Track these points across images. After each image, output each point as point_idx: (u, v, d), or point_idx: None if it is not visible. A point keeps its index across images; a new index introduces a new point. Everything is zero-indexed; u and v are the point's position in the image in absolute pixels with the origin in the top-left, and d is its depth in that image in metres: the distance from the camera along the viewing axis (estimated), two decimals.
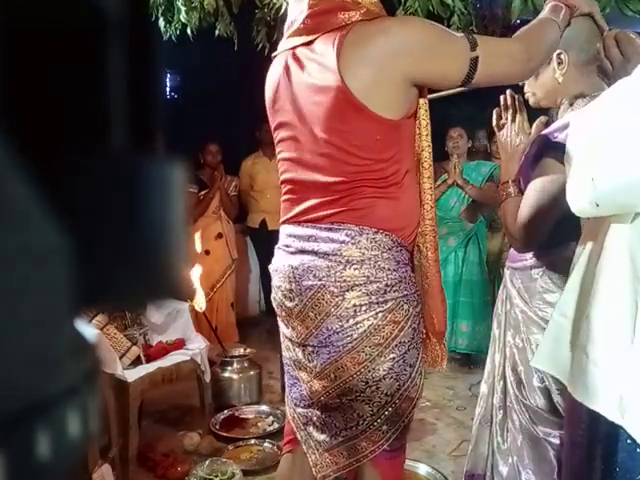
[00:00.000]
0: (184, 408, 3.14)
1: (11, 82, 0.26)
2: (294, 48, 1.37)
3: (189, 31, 3.48)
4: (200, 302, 2.84)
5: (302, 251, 1.38)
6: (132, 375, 2.44)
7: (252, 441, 2.81)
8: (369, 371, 1.34)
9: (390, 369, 1.35)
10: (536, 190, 1.41)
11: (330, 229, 1.34)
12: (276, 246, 1.52)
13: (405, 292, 1.36)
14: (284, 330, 1.51)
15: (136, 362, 2.57)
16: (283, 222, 1.47)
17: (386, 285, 1.33)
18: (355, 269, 1.32)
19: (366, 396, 1.36)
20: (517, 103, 1.66)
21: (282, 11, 3.15)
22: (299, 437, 1.52)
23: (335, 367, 1.37)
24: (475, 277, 3.89)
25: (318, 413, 1.45)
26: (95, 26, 0.28)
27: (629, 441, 0.99)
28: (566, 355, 1.17)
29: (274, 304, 1.52)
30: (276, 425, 2.96)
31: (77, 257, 0.25)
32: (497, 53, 1.35)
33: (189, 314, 2.91)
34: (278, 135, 1.47)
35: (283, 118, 1.42)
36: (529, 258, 1.59)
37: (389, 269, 1.33)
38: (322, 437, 1.45)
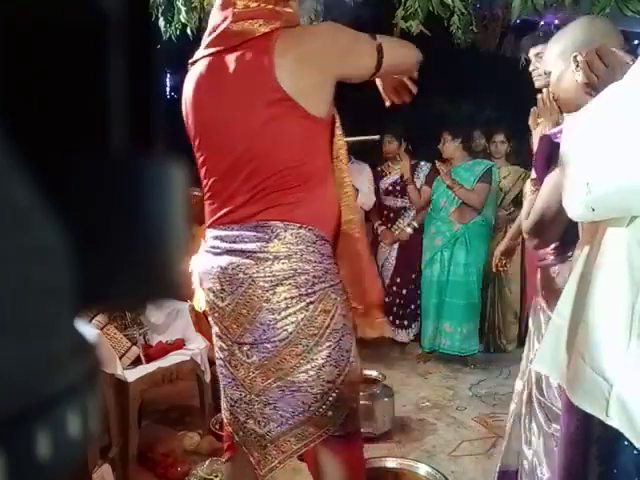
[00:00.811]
0: (184, 408, 3.14)
1: (11, 82, 0.26)
2: (216, 54, 1.43)
3: (189, 31, 3.48)
4: (200, 302, 2.84)
5: (229, 251, 1.44)
6: (132, 375, 2.44)
7: None
8: (308, 361, 1.42)
9: (328, 356, 1.43)
10: (549, 186, 1.42)
11: (256, 228, 1.40)
12: (202, 249, 1.56)
13: (331, 282, 1.44)
14: (217, 330, 1.56)
15: (136, 362, 2.57)
16: (209, 225, 1.52)
17: (314, 277, 1.41)
18: (283, 263, 1.39)
19: (309, 385, 1.43)
20: (553, 102, 1.67)
21: None
22: (237, 439, 1.56)
23: (275, 362, 1.44)
24: (461, 278, 3.88)
25: (260, 407, 1.49)
26: (95, 26, 0.28)
27: (626, 443, 0.99)
28: (563, 357, 1.17)
29: (207, 307, 1.57)
30: None
31: (77, 257, 0.25)
32: (392, 42, 1.54)
33: (189, 314, 2.91)
34: (198, 140, 1.51)
35: (204, 121, 1.47)
36: (550, 256, 1.61)
37: (315, 261, 1.41)
38: (265, 430, 1.49)
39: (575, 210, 1.04)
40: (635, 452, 0.98)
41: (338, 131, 1.51)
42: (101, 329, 2.45)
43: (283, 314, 1.40)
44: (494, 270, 3.18)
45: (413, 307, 4.28)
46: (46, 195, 0.24)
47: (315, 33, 1.46)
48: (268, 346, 1.43)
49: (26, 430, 0.23)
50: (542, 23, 4.29)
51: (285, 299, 1.39)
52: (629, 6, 2.99)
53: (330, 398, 1.43)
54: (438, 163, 3.88)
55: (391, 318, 4.28)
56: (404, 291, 4.24)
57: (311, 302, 1.40)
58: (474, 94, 5.38)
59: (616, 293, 1.02)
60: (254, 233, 1.40)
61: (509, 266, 3.34)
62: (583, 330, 1.09)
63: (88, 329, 0.29)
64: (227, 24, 1.41)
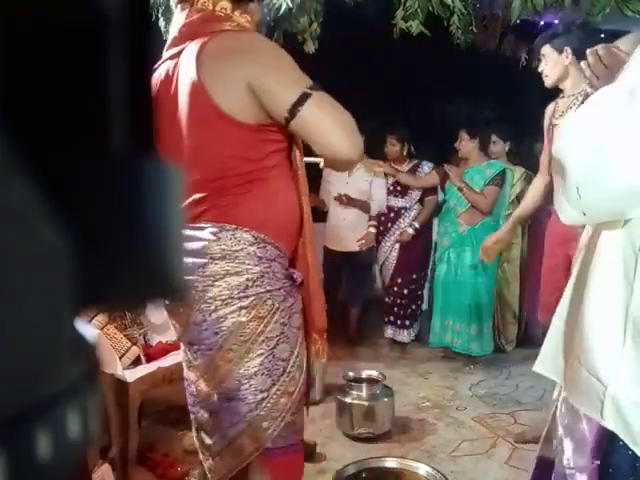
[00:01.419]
0: (184, 408, 3.13)
1: (11, 82, 0.26)
2: (170, 58, 1.42)
3: None
4: None
5: (184, 251, 1.42)
6: (132, 375, 2.44)
7: None
8: (240, 368, 1.37)
9: (260, 365, 1.37)
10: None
11: (199, 229, 1.39)
12: None
13: (268, 287, 1.37)
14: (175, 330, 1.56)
15: (136, 362, 2.57)
16: None
17: (247, 280, 1.36)
18: (217, 264, 1.36)
19: (241, 394, 1.38)
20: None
21: (282, 11, 3.15)
22: (196, 444, 1.55)
23: (211, 367, 1.41)
24: (468, 279, 3.90)
25: (206, 415, 1.47)
26: (95, 26, 0.28)
27: (621, 443, 0.99)
28: (562, 359, 1.17)
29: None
30: None
31: (77, 257, 0.25)
32: (333, 110, 1.31)
33: None
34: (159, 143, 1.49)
35: (158, 127, 1.44)
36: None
37: (250, 264, 1.37)
38: (211, 441, 1.47)
39: (566, 214, 1.05)
40: (630, 452, 0.99)
41: (298, 139, 1.43)
42: (101, 329, 2.45)
43: (213, 316, 1.36)
44: (481, 258, 3.16)
45: (414, 307, 4.28)
46: (46, 195, 0.24)
47: (244, 42, 1.35)
48: (204, 350, 1.41)
49: (26, 430, 0.23)
50: (542, 23, 4.29)
51: (215, 301, 1.36)
52: (629, 6, 2.99)
53: (264, 409, 1.38)
54: (447, 167, 3.88)
55: (392, 318, 4.28)
56: (405, 291, 4.24)
57: (243, 307, 1.35)
58: (474, 94, 5.39)
59: (611, 295, 1.02)
60: (194, 233, 1.39)
61: (495, 259, 3.37)
62: (579, 332, 1.09)
63: (88, 329, 0.29)
64: (179, 28, 1.41)
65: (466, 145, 3.87)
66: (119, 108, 0.28)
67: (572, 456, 1.63)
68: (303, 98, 1.27)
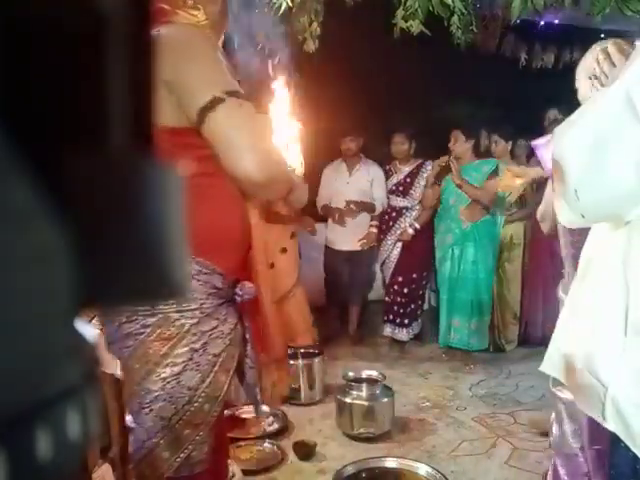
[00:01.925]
0: None
1: (11, 82, 0.26)
2: None
3: None
4: None
5: None
6: None
7: (252, 441, 2.81)
8: (142, 390, 1.26)
9: (162, 390, 1.24)
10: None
11: None
12: None
13: (178, 307, 1.22)
14: None
15: None
16: None
17: None
18: None
19: (141, 418, 1.27)
20: None
21: (282, 11, 3.15)
22: None
23: (126, 382, 1.32)
24: (470, 275, 3.94)
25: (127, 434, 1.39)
26: (95, 26, 0.28)
27: (623, 445, 0.99)
28: (565, 359, 1.17)
29: None
30: (276, 425, 2.96)
31: (77, 257, 0.25)
32: (247, 124, 1.13)
33: None
34: None
35: None
36: None
37: None
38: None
39: (566, 216, 1.05)
40: (631, 454, 0.99)
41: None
42: (101, 329, 2.45)
43: (120, 331, 1.26)
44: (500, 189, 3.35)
45: (414, 306, 4.29)
46: (46, 195, 0.24)
47: (172, 35, 1.15)
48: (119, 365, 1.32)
49: (26, 430, 0.23)
50: (542, 23, 4.29)
51: (120, 316, 1.24)
52: (629, 6, 2.99)
53: (165, 437, 1.26)
54: (451, 159, 3.90)
55: (391, 317, 4.29)
56: (405, 290, 4.25)
57: (146, 325, 1.23)
58: (475, 94, 5.38)
59: (610, 296, 1.02)
60: None
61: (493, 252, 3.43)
62: (579, 334, 1.09)
63: (88, 329, 0.29)
64: None
65: (461, 145, 3.91)
66: (119, 108, 0.28)
67: (572, 438, 1.66)
68: (214, 102, 1.09)
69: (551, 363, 1.27)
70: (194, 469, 1.32)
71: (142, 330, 1.23)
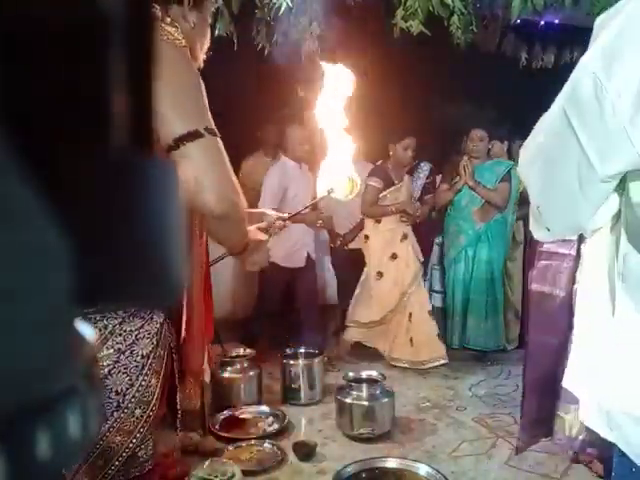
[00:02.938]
0: (183, 409, 3.13)
1: (12, 82, 0.26)
2: None
3: None
4: None
5: None
6: None
7: (252, 441, 2.81)
8: None
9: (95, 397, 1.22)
10: None
11: None
12: None
13: (100, 308, 1.18)
14: None
15: None
16: None
17: None
18: None
19: None
20: None
21: (282, 11, 3.15)
22: None
23: None
24: (484, 275, 3.95)
25: None
26: (95, 26, 0.28)
27: (620, 452, 0.99)
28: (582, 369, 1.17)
29: None
30: (276, 425, 2.96)
31: (78, 258, 0.25)
32: (218, 164, 1.20)
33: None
34: None
35: None
36: None
37: None
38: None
39: (536, 231, 1.07)
40: (624, 458, 0.98)
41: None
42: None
43: None
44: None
45: None
46: (47, 196, 0.24)
47: (163, 55, 1.13)
48: None
49: (26, 430, 0.23)
50: (542, 23, 4.30)
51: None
52: None
53: (97, 446, 1.21)
54: (466, 161, 3.90)
55: None
56: None
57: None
58: (475, 94, 5.38)
59: (598, 304, 1.02)
60: None
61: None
62: (574, 343, 1.10)
63: (88, 329, 0.29)
64: None
65: (485, 145, 3.92)
66: (119, 109, 0.28)
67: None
68: (194, 135, 1.16)
69: (572, 375, 1.25)
70: (143, 468, 1.30)
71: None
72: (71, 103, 0.28)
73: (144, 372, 1.25)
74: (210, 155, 1.18)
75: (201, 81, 1.24)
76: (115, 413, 1.22)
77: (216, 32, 3.55)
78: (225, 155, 1.22)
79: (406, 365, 3.82)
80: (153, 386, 1.27)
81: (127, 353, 1.22)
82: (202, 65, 1.47)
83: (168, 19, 1.30)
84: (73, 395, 0.25)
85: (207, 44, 1.48)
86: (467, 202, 3.99)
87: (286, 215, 1.70)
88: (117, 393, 1.22)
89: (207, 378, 2.84)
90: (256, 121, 4.32)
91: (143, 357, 1.24)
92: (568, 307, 2.20)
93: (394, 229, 3.92)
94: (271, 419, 3.04)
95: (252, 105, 4.45)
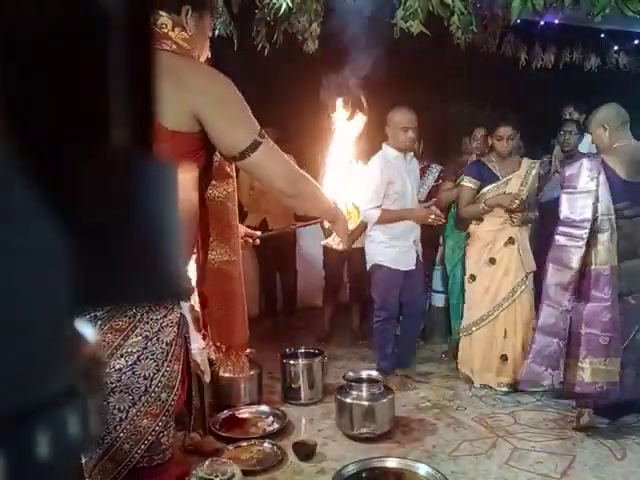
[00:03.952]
0: (182, 409, 3.13)
1: (12, 82, 0.26)
2: None
3: None
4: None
5: None
6: None
7: (252, 441, 2.81)
8: (104, 385, 1.26)
9: (118, 381, 1.27)
10: None
11: None
12: None
13: None
14: None
15: None
16: None
17: None
18: None
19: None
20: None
21: (282, 11, 3.15)
22: None
23: None
24: None
25: None
26: (95, 26, 0.28)
27: None
28: None
29: None
30: (276, 425, 2.96)
31: (77, 257, 0.25)
32: (278, 158, 1.42)
33: (189, 314, 2.90)
34: None
35: None
36: None
37: None
38: (83, 459, 1.37)
39: None
40: None
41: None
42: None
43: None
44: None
45: None
46: (47, 195, 0.24)
47: (200, 69, 1.39)
48: None
49: (26, 430, 0.23)
50: (542, 23, 4.29)
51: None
52: (629, 6, 2.99)
53: (124, 430, 1.28)
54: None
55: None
56: None
57: (97, 317, 1.24)
58: (474, 94, 5.38)
59: None
60: None
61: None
62: None
63: (88, 329, 0.29)
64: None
65: (485, 145, 3.84)
66: (119, 109, 0.28)
67: None
68: (255, 145, 1.35)
69: None
70: (152, 460, 1.34)
71: (93, 322, 1.24)
72: (71, 103, 0.28)
73: (169, 358, 1.32)
74: (270, 155, 1.39)
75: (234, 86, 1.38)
76: (143, 397, 1.29)
77: (216, 32, 3.56)
78: (276, 146, 1.42)
79: (501, 387, 3.47)
80: (176, 371, 1.35)
81: (154, 340, 1.30)
82: None
83: (177, 29, 1.39)
84: (73, 395, 0.25)
85: (206, 51, 1.55)
86: None
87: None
88: (145, 378, 1.29)
89: (207, 378, 2.85)
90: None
91: (167, 344, 1.32)
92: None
93: (497, 231, 3.47)
94: (271, 419, 3.04)
95: (251, 106, 4.44)
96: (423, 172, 4.18)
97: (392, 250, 3.40)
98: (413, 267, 3.46)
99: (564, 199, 2.88)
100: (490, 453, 2.74)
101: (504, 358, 3.46)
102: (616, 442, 2.78)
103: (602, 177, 2.75)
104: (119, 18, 0.28)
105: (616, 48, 5.32)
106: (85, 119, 0.28)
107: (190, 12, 1.42)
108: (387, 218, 3.36)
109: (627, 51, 5.46)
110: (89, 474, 1.35)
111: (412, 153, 3.50)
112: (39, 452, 0.23)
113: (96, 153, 0.28)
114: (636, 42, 5.43)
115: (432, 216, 3.38)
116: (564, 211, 2.86)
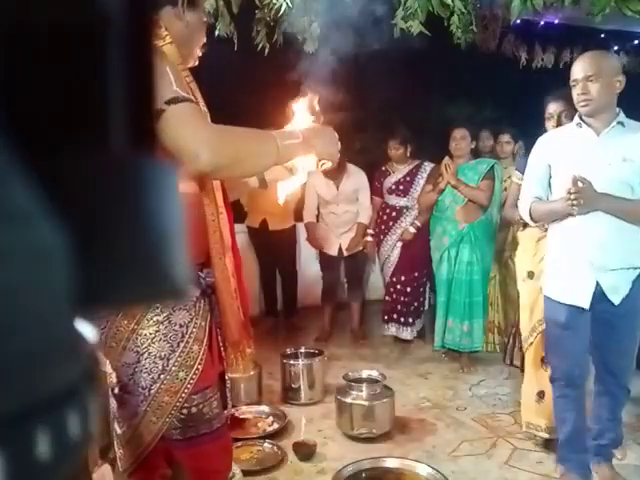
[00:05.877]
0: None
1: (11, 82, 0.26)
2: None
3: None
4: None
5: None
6: None
7: (252, 441, 2.81)
8: (122, 365, 1.42)
9: (138, 362, 1.40)
10: None
11: None
12: None
13: None
14: None
15: None
16: None
17: None
18: None
19: (130, 388, 1.44)
20: None
21: (282, 11, 3.15)
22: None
23: (110, 360, 1.45)
24: (465, 276, 3.90)
25: (116, 405, 1.53)
26: (95, 26, 0.28)
27: None
28: None
29: None
30: (276, 425, 2.96)
31: (77, 257, 0.25)
32: (195, 121, 1.26)
33: None
34: None
35: None
36: None
37: None
38: (119, 430, 1.53)
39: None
40: None
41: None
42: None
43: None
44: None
45: (416, 305, 4.30)
46: (47, 195, 0.24)
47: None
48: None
49: (26, 430, 0.23)
50: (542, 23, 4.29)
51: None
52: (629, 6, 2.99)
53: (150, 405, 1.42)
54: (448, 160, 3.87)
55: (395, 316, 4.30)
56: (408, 289, 4.26)
57: None
58: (475, 94, 5.39)
59: None
60: None
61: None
62: None
63: (88, 329, 0.29)
64: None
65: (468, 145, 3.88)
66: (119, 108, 0.28)
67: None
68: (175, 100, 1.24)
69: None
70: (198, 430, 1.46)
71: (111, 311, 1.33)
72: (71, 103, 0.28)
73: (185, 339, 1.42)
74: (191, 116, 1.26)
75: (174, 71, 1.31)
76: (162, 375, 1.40)
77: (216, 32, 3.55)
78: (204, 117, 1.34)
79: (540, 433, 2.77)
80: (195, 352, 1.43)
81: (165, 323, 1.40)
82: (197, 62, 1.54)
83: (168, 46, 1.36)
84: (73, 395, 0.25)
85: (203, 41, 1.54)
86: (450, 201, 3.95)
87: None
88: (161, 358, 1.40)
89: None
90: (256, 122, 4.32)
91: (181, 326, 1.41)
92: None
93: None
94: (271, 419, 3.04)
95: (251, 106, 4.45)
96: (417, 170, 4.21)
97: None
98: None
99: None
100: (490, 453, 2.74)
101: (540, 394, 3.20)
102: None
103: None
104: (119, 17, 0.28)
105: (616, 48, 5.32)
106: (85, 119, 0.28)
107: (185, 2, 1.40)
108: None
109: (627, 51, 5.46)
110: (125, 443, 1.52)
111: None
112: (39, 452, 0.23)
113: (96, 153, 0.28)
114: (636, 42, 5.43)
115: None
116: None
